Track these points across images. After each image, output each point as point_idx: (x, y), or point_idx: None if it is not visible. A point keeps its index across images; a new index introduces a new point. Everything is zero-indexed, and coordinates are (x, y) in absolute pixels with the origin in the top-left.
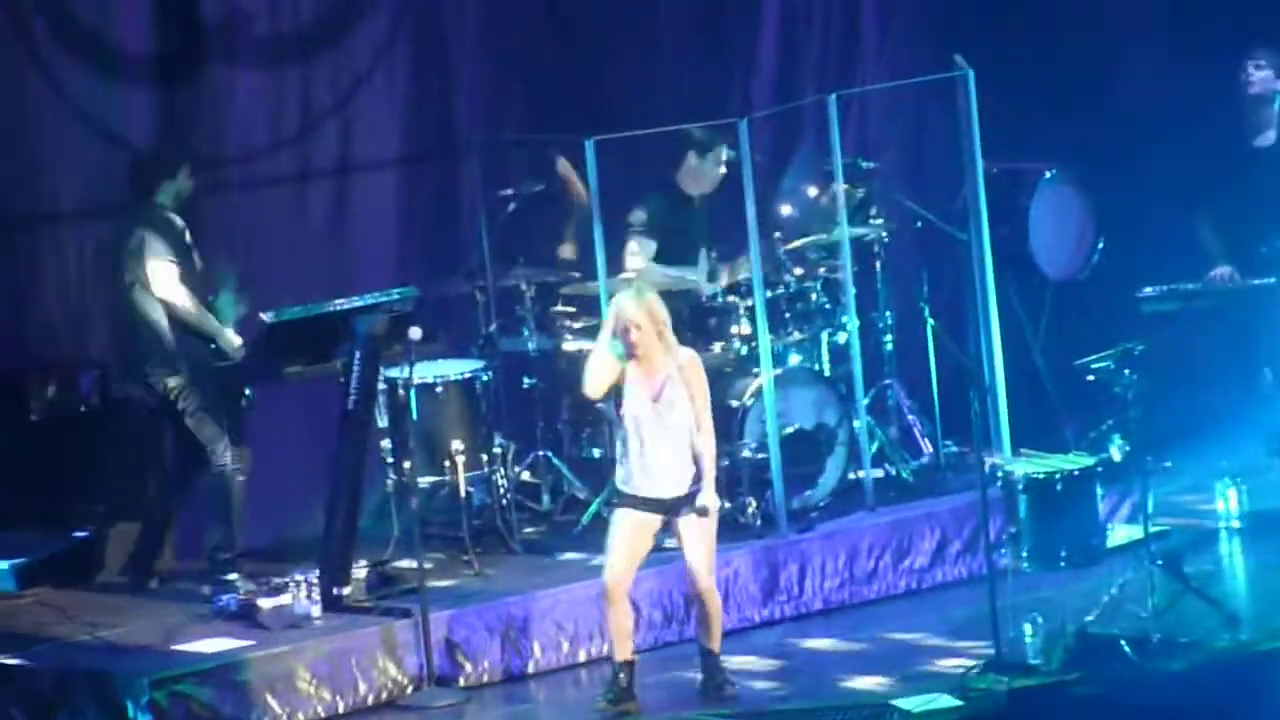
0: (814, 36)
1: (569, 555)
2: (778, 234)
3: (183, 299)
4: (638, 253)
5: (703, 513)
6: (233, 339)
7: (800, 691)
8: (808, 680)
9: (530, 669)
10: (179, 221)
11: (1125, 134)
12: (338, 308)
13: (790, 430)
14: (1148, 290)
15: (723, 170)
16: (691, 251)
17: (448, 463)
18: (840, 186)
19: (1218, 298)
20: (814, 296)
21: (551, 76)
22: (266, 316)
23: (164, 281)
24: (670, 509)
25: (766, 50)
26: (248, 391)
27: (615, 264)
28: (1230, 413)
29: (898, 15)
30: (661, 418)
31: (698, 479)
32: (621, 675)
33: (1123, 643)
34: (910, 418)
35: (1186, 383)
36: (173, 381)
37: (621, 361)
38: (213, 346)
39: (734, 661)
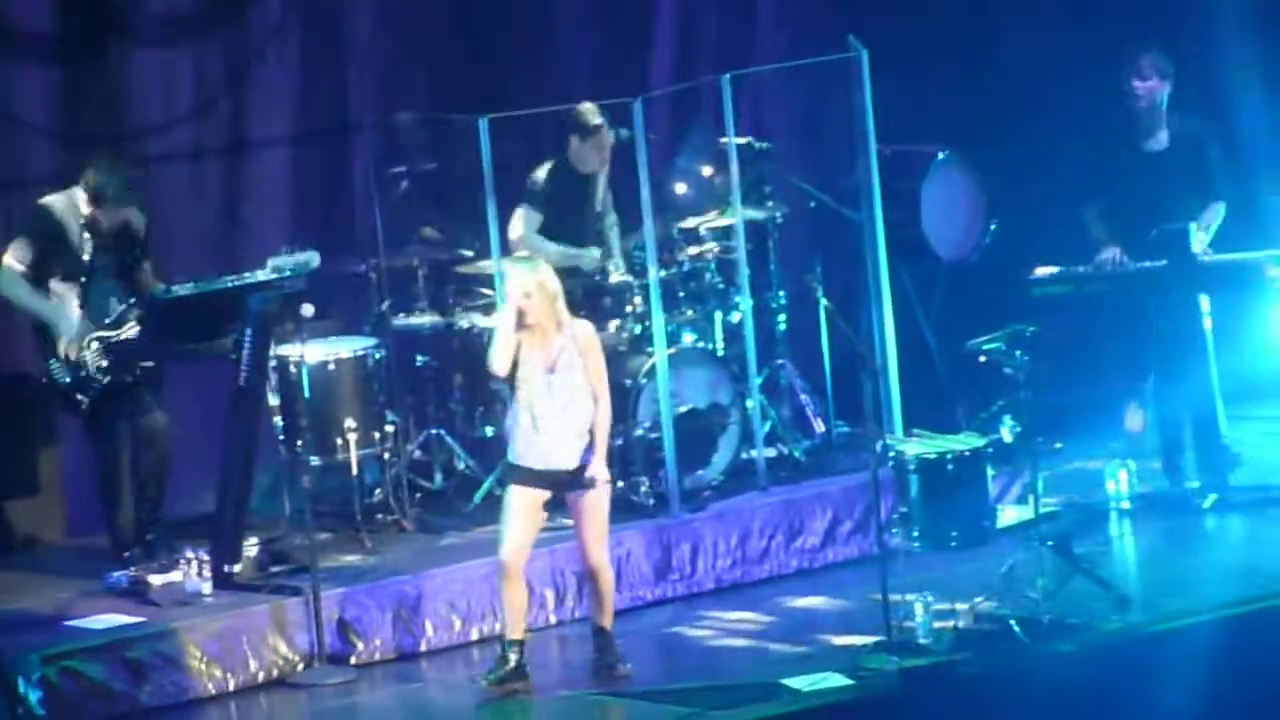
0: (711, 17)
1: (461, 534)
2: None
3: (12, 292)
4: (520, 219)
5: (590, 484)
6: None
7: (690, 671)
8: (696, 659)
9: (422, 647)
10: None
11: (1017, 117)
12: (230, 284)
13: (683, 410)
14: (1039, 272)
15: (604, 154)
16: (588, 228)
17: (340, 441)
18: (734, 167)
19: (1108, 280)
20: (708, 276)
21: (448, 55)
22: (157, 293)
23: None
24: (562, 483)
25: (664, 30)
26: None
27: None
28: (1120, 394)
29: None
30: (554, 389)
31: (589, 452)
32: (512, 654)
33: (1013, 623)
34: (803, 398)
35: (1077, 365)
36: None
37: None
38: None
39: (621, 640)
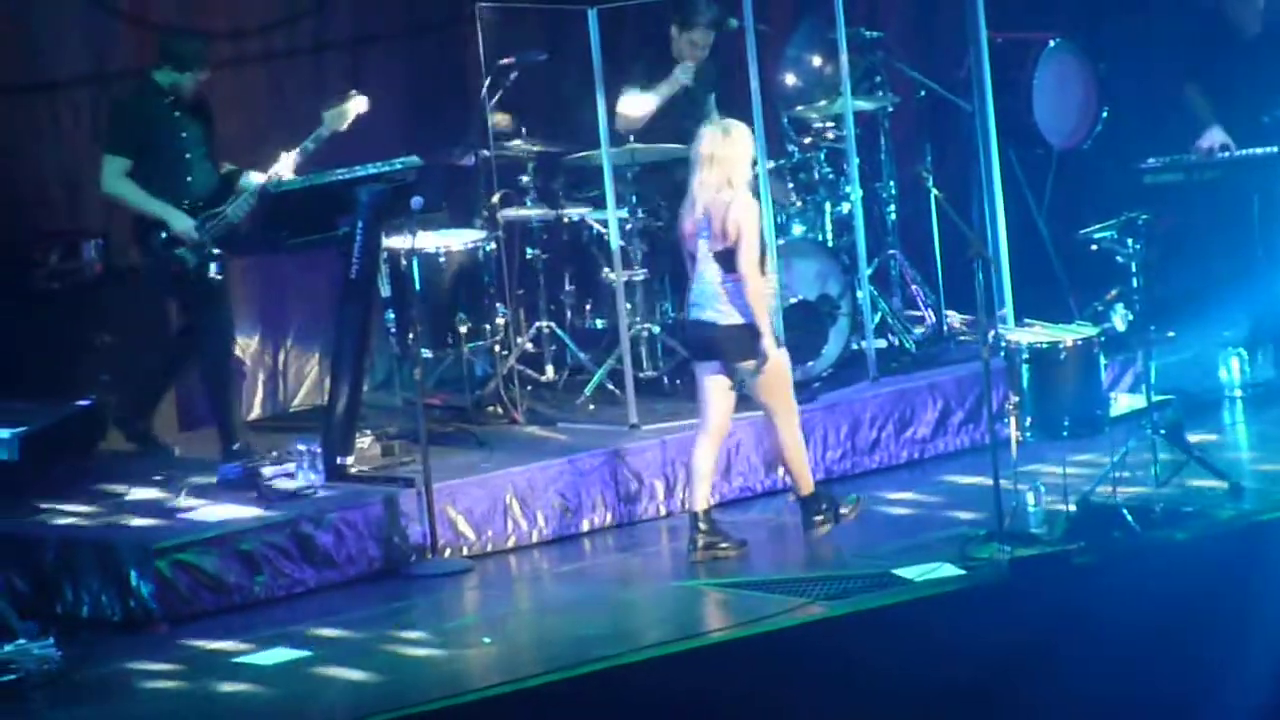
0: None
1: (572, 427)
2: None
3: (119, 191)
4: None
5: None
6: (180, 223)
7: (802, 561)
8: (809, 549)
9: (534, 539)
10: (157, 103)
11: (1128, 4)
12: (339, 177)
13: (794, 301)
14: (1150, 161)
15: (696, 51)
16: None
17: (451, 333)
18: (844, 56)
19: (1219, 168)
20: (817, 167)
21: None
22: (268, 186)
23: (105, 177)
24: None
25: None
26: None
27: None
28: (1232, 283)
29: None
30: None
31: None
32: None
33: (1125, 512)
34: (914, 288)
35: (1189, 253)
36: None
37: None
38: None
39: (733, 527)
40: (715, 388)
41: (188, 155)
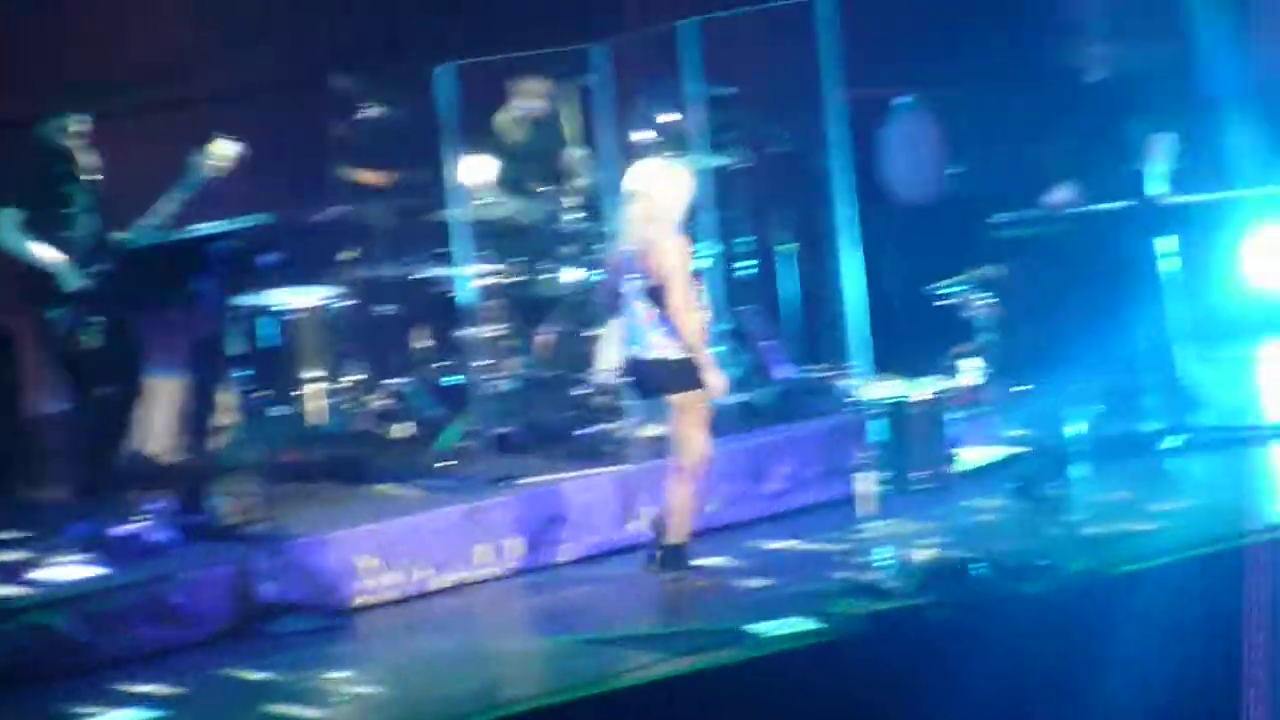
0: None
1: (426, 483)
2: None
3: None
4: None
5: None
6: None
7: (656, 616)
8: (664, 605)
9: (389, 595)
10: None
11: (978, 61)
12: (191, 235)
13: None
14: (1001, 216)
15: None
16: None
17: (302, 390)
18: (697, 113)
19: (1069, 223)
20: None
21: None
22: (121, 242)
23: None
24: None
25: None
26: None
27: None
28: (1082, 336)
29: None
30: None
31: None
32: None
33: (979, 565)
34: (769, 343)
35: (1040, 307)
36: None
37: None
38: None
39: (580, 589)
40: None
41: (72, 208)
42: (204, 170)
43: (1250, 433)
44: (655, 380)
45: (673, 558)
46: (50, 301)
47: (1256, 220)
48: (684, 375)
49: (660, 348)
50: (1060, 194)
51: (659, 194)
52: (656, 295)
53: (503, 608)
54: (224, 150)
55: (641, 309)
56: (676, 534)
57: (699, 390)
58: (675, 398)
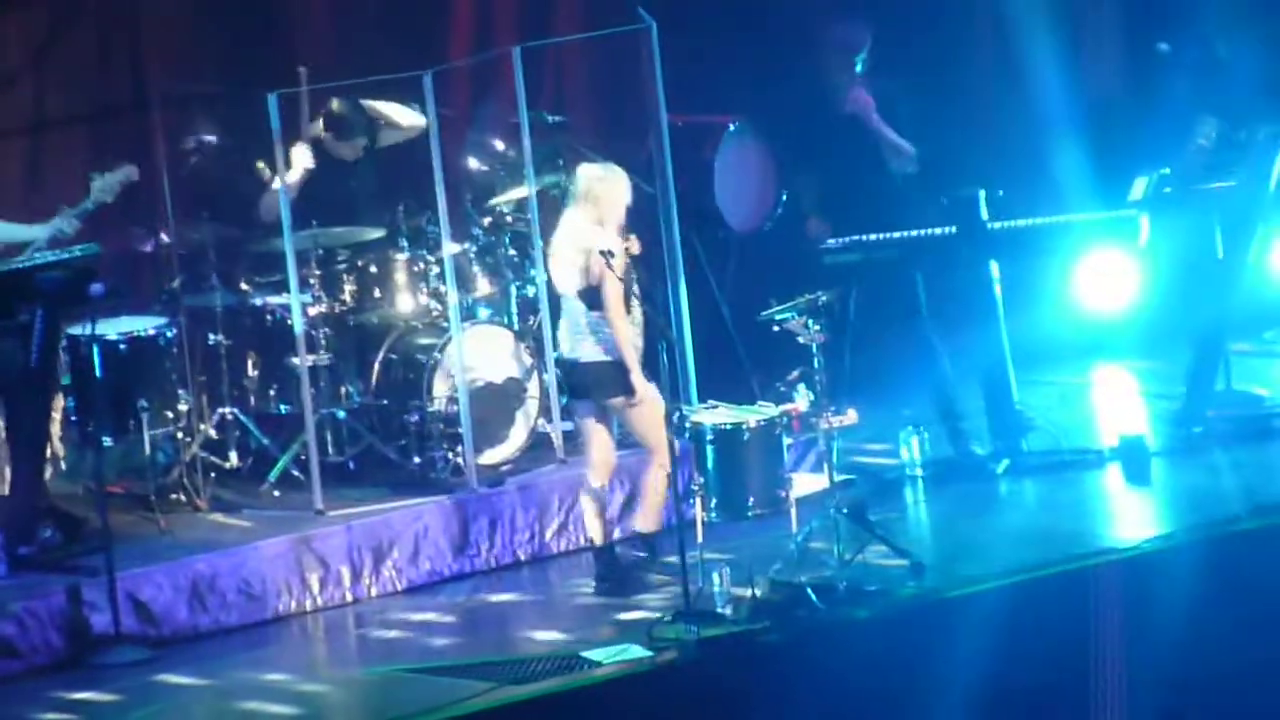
0: None
1: (256, 513)
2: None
3: None
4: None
5: None
6: None
7: (490, 645)
8: (496, 633)
9: (218, 626)
10: None
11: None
12: (18, 265)
13: (480, 384)
14: (830, 242)
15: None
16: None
17: (133, 420)
18: (526, 140)
19: (898, 248)
20: (502, 250)
21: (245, 27)
22: None
23: None
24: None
25: (464, 3)
26: None
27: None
28: (917, 361)
29: None
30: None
31: None
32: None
33: (809, 591)
34: None
35: (869, 332)
36: None
37: None
38: None
39: (421, 616)
40: (590, 425)
41: None
42: (103, 194)
43: (1083, 456)
44: (585, 383)
45: (646, 545)
46: None
47: (1088, 244)
48: (609, 379)
49: (587, 351)
50: (814, 226)
51: (605, 196)
52: (590, 296)
53: (335, 637)
54: (123, 175)
55: (576, 310)
56: (654, 522)
57: (625, 395)
58: (615, 401)
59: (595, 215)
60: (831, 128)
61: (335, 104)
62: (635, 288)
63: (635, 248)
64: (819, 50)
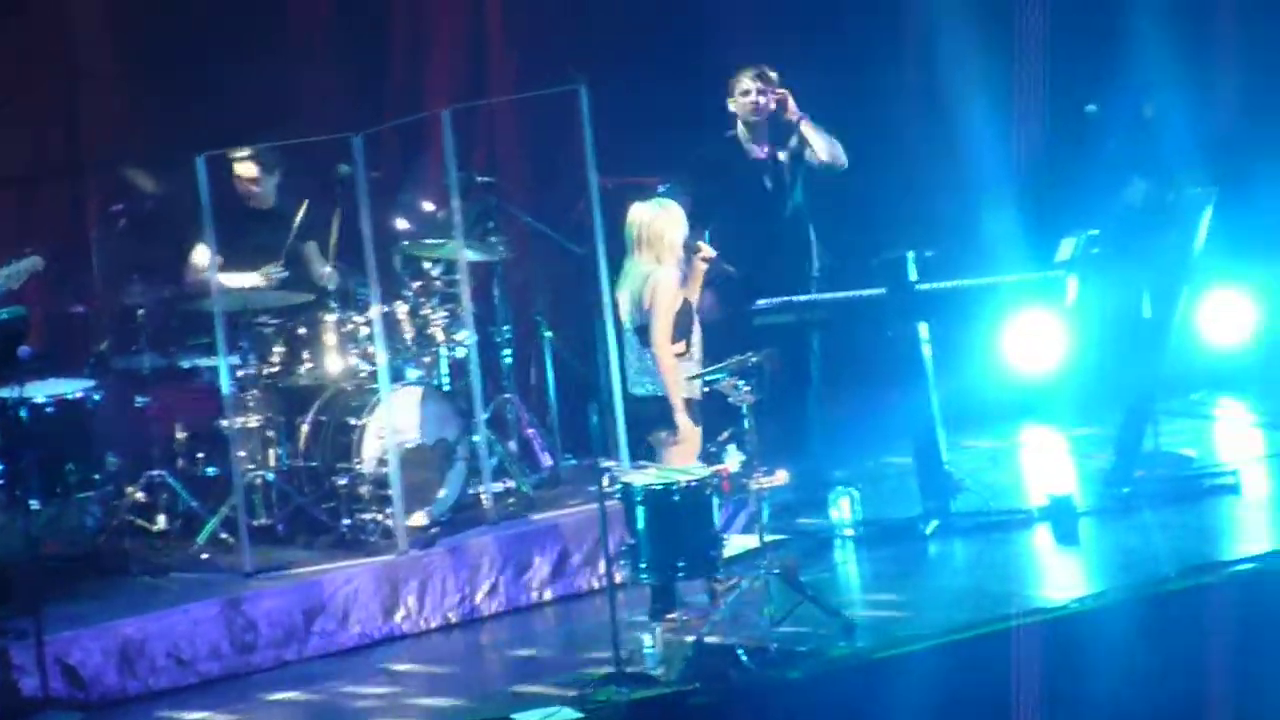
0: (444, 51)
1: (185, 576)
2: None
3: None
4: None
5: None
6: None
7: (417, 709)
8: (426, 697)
9: (147, 690)
10: None
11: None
12: None
13: (410, 446)
14: (761, 302)
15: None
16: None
17: (60, 484)
18: (455, 201)
19: (828, 310)
20: (432, 310)
21: (176, 90)
22: None
23: None
24: None
25: (396, 64)
26: None
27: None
28: (846, 422)
29: (525, 32)
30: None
31: None
32: None
33: (740, 652)
34: (530, 431)
35: (801, 393)
36: None
37: None
38: None
39: (349, 680)
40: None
41: None
42: (8, 282)
43: (1012, 516)
44: (636, 417)
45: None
46: None
47: (1017, 305)
48: (654, 414)
49: (642, 385)
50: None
51: (660, 236)
52: (645, 333)
53: (265, 702)
54: (25, 265)
55: (635, 346)
56: None
57: (668, 431)
58: (657, 437)
59: (653, 255)
60: (746, 178)
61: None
62: (696, 327)
63: (709, 253)
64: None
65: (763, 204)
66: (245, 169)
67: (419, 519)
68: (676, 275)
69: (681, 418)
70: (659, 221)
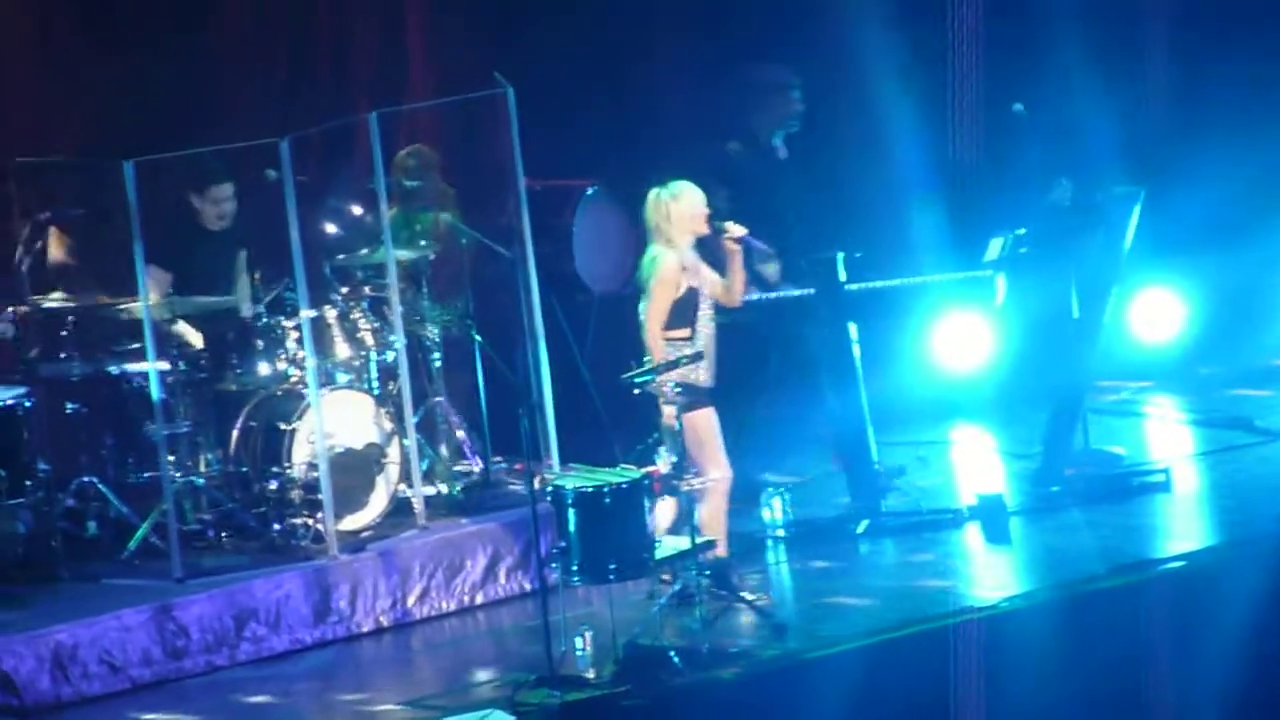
0: (368, 55)
1: (116, 582)
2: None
3: None
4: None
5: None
6: None
7: (350, 712)
8: (358, 700)
9: (80, 696)
10: None
11: (663, 150)
12: None
13: (339, 450)
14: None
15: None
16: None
17: None
18: (383, 205)
19: (760, 310)
20: (361, 315)
21: (103, 95)
22: None
23: None
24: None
25: (322, 68)
26: None
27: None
28: (778, 422)
29: (452, 35)
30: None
31: None
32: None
33: (672, 653)
34: (460, 435)
35: (732, 393)
36: None
37: None
38: None
39: (282, 684)
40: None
41: None
42: None
43: (942, 516)
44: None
45: (721, 576)
46: None
47: (945, 305)
48: (658, 397)
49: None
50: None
51: (664, 218)
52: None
53: (198, 707)
54: None
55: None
56: (722, 547)
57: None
58: (665, 417)
59: (664, 240)
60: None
61: None
62: (704, 317)
63: (738, 230)
64: (747, 96)
65: None
66: (223, 190)
67: (349, 523)
68: (682, 259)
69: (666, 407)
70: (664, 205)
